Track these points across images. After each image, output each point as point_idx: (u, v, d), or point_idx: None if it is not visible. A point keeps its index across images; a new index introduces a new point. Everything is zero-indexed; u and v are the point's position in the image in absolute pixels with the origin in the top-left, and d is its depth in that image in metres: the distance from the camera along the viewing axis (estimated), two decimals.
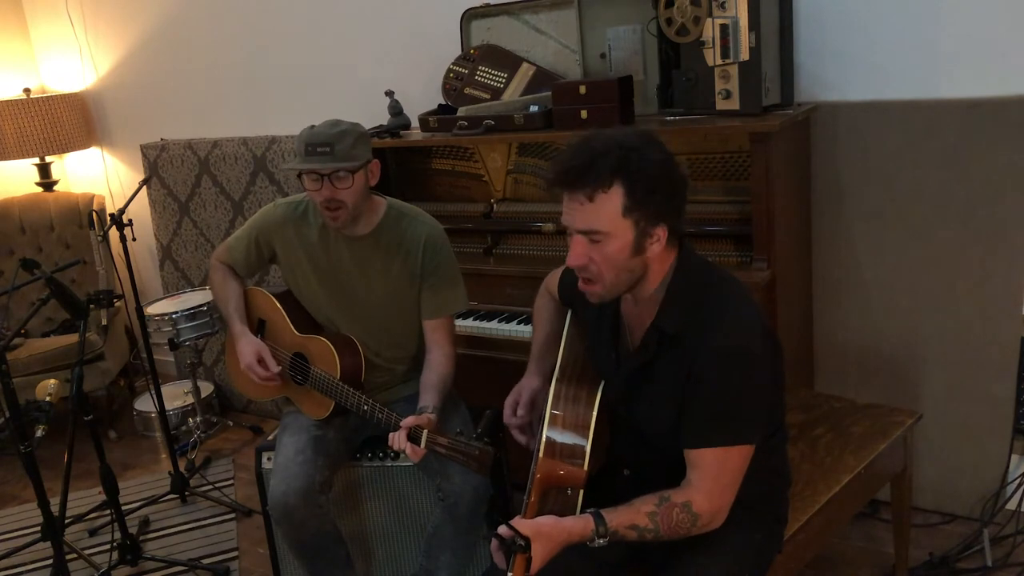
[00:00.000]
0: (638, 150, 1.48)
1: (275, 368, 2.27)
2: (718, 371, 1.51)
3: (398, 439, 1.95)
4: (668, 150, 1.53)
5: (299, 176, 2.16)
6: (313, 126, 2.14)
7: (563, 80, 2.69)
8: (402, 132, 2.93)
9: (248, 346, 2.29)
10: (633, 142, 1.50)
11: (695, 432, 1.54)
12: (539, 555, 1.44)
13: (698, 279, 1.59)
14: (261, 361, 2.26)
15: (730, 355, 1.50)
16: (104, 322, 3.82)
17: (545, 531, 1.47)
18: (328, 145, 2.08)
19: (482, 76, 2.83)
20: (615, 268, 1.53)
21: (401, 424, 1.97)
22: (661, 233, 1.52)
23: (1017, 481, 2.57)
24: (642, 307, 1.63)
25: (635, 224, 1.49)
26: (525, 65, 2.78)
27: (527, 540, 1.43)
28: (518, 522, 1.47)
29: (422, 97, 3.03)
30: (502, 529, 1.45)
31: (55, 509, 2.36)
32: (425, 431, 1.91)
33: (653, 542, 1.53)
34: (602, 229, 1.49)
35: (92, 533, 3.11)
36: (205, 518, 3.17)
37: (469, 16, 2.90)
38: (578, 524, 1.50)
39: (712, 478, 1.52)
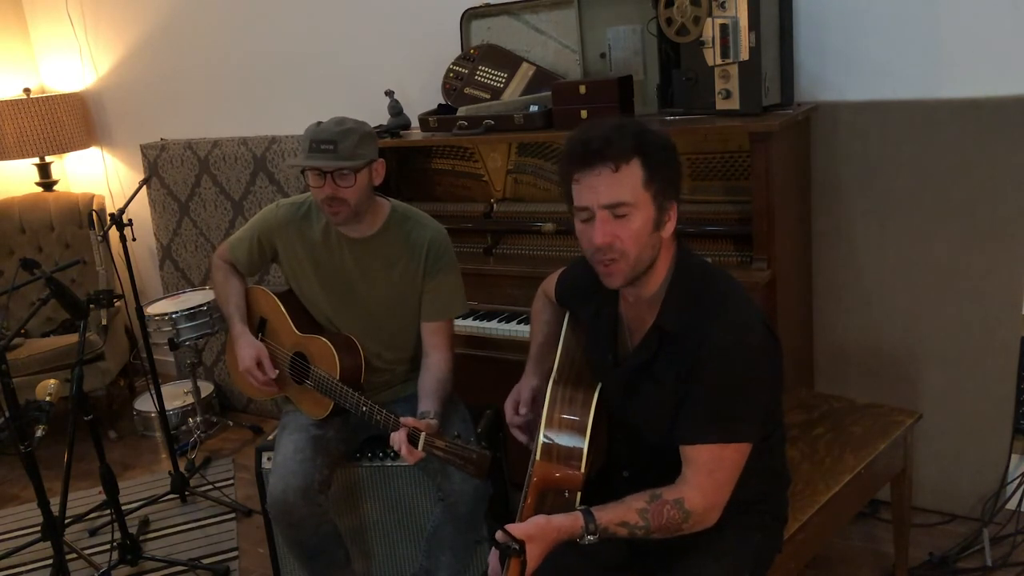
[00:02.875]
0: (646, 129, 1.54)
1: (273, 373, 2.27)
2: (718, 366, 1.51)
3: (397, 440, 1.95)
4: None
5: (302, 172, 2.16)
6: (320, 123, 2.14)
7: (563, 80, 2.69)
8: (402, 132, 2.93)
9: (247, 349, 2.28)
10: (640, 122, 1.57)
11: (692, 428, 1.53)
12: (533, 556, 1.45)
13: (698, 278, 1.60)
14: (260, 365, 2.27)
15: (730, 350, 1.50)
16: (104, 322, 3.82)
17: (537, 532, 1.47)
18: (332, 143, 2.08)
19: (482, 76, 2.83)
20: (639, 244, 1.53)
21: (401, 421, 1.97)
22: (673, 212, 1.56)
23: (1017, 481, 2.57)
24: (642, 308, 1.63)
25: (654, 198, 1.52)
26: (525, 65, 2.78)
27: (521, 544, 1.43)
28: (511, 527, 1.47)
29: (422, 97, 3.03)
30: (498, 534, 1.45)
31: (55, 509, 2.36)
32: (423, 434, 1.91)
33: (645, 539, 1.53)
34: (627, 200, 1.50)
35: (92, 533, 3.10)
36: (205, 518, 3.17)
37: (469, 16, 2.90)
38: (567, 521, 1.50)
39: (707, 474, 1.52)
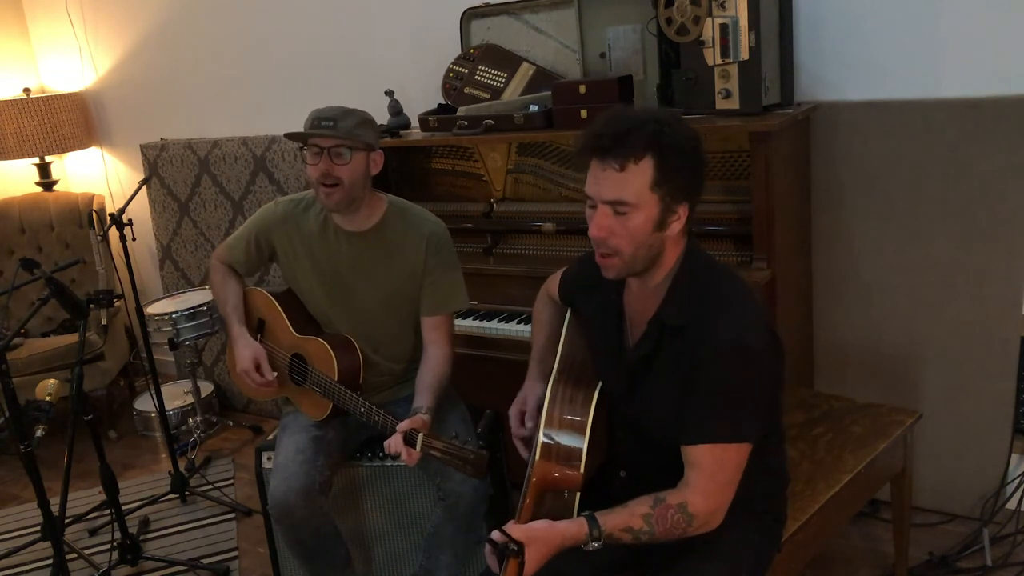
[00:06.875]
0: (671, 125, 1.51)
1: (271, 375, 2.27)
2: (720, 366, 1.50)
3: (394, 444, 1.95)
4: (696, 129, 1.55)
5: (301, 150, 2.17)
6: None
7: (563, 80, 2.69)
8: (402, 132, 2.93)
9: (245, 350, 2.28)
10: (666, 117, 1.53)
11: (694, 427, 1.53)
12: (533, 559, 1.44)
13: (703, 274, 1.60)
14: (258, 368, 2.27)
15: (733, 350, 1.50)
16: (104, 322, 3.82)
17: (539, 536, 1.47)
18: (332, 120, 2.10)
19: (482, 76, 2.83)
20: (635, 243, 1.53)
21: (396, 428, 1.96)
22: (683, 212, 1.54)
23: (1017, 480, 2.57)
24: (646, 299, 1.63)
25: (661, 199, 1.51)
26: (525, 65, 2.78)
27: (520, 545, 1.43)
28: (511, 527, 1.47)
29: (422, 97, 3.03)
30: (495, 534, 1.45)
31: (55, 509, 2.36)
32: (420, 434, 1.91)
33: (648, 544, 1.53)
34: (629, 200, 1.50)
35: (92, 533, 3.11)
36: (205, 518, 3.17)
37: (469, 16, 2.90)
38: (571, 527, 1.49)
39: (709, 477, 1.51)
